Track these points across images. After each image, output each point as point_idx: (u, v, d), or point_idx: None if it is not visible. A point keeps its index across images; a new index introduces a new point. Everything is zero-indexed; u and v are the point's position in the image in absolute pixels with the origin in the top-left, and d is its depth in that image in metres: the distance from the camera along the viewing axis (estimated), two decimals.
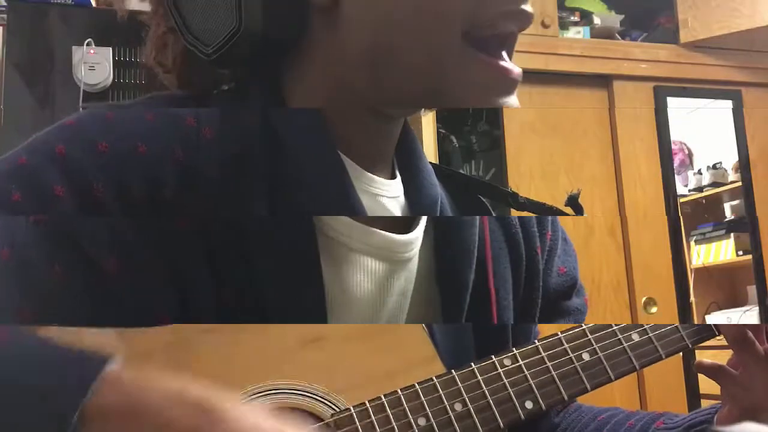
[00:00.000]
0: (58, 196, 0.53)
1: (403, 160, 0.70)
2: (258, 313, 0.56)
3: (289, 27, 0.58)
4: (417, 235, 0.64)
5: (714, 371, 0.72)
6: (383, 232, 0.62)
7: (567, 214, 0.73)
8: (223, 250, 0.55)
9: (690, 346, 0.71)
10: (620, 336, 0.68)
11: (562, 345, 0.66)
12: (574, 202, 0.72)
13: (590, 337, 0.67)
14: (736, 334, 0.68)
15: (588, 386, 0.65)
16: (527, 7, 0.59)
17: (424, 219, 0.65)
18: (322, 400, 0.60)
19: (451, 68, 0.56)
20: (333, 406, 0.59)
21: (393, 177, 0.69)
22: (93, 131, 0.57)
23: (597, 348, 0.66)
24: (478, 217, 0.67)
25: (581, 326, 0.68)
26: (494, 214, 0.77)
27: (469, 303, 0.65)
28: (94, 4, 2.01)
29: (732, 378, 0.71)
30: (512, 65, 0.60)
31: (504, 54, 0.59)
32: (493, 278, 0.66)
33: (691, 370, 2.47)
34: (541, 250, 0.73)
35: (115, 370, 0.46)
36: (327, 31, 0.59)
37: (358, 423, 0.58)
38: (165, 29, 0.62)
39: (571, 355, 0.66)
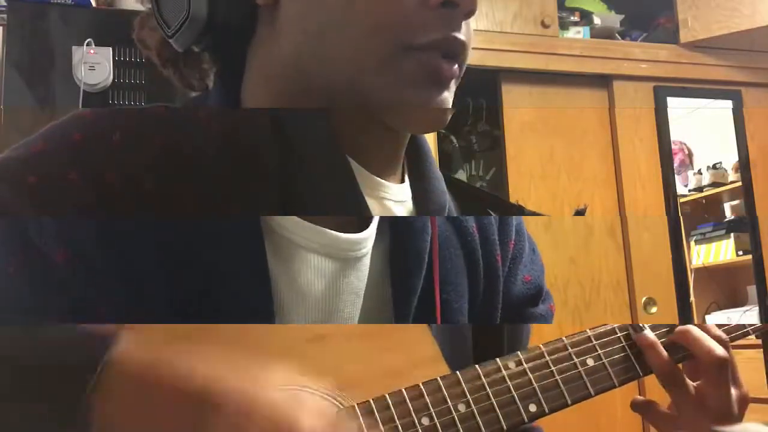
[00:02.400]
0: (72, 183, 0.54)
1: (413, 166, 0.71)
2: (206, 310, 0.57)
3: (233, 18, 0.63)
4: (367, 235, 0.64)
5: (645, 408, 0.72)
6: (329, 230, 0.61)
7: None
8: (172, 246, 0.56)
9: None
10: (625, 343, 0.68)
11: (567, 350, 0.66)
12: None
13: (595, 342, 0.67)
14: (666, 372, 0.68)
15: (592, 392, 0.65)
16: (460, 35, 0.60)
17: (376, 219, 0.65)
18: (326, 397, 0.60)
19: (376, 74, 0.59)
20: (337, 404, 0.59)
21: (402, 181, 0.69)
22: (108, 122, 0.58)
23: (601, 354, 0.67)
24: (429, 222, 0.68)
25: (586, 332, 0.68)
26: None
27: (418, 305, 0.65)
28: (94, 4, 2.01)
29: (662, 417, 0.71)
30: (446, 63, 0.60)
31: (441, 56, 0.60)
32: (439, 282, 0.66)
33: None
34: (501, 257, 0.73)
35: (125, 348, 0.48)
36: (268, 28, 0.63)
37: (361, 420, 0.58)
38: (149, 11, 0.68)
39: (576, 360, 0.66)
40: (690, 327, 0.68)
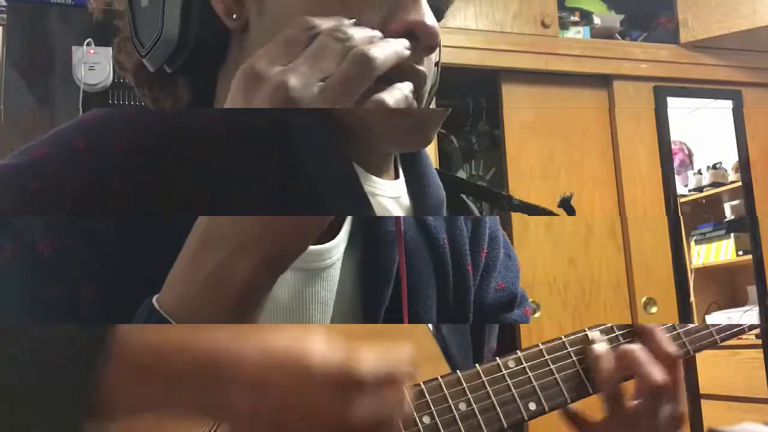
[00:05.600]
0: (75, 189, 0.54)
1: (408, 161, 0.70)
2: None
3: (203, 40, 0.63)
4: (331, 246, 0.63)
5: (573, 420, 0.70)
6: None
7: (554, 213, 0.73)
8: (130, 255, 0.55)
9: (691, 352, 0.71)
10: (623, 342, 0.68)
11: (566, 348, 0.66)
12: (566, 205, 0.72)
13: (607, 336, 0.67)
14: (608, 389, 0.66)
15: (590, 389, 0.66)
16: (420, 67, 0.59)
17: (345, 229, 0.65)
18: None
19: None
20: None
21: (396, 177, 0.68)
22: (112, 128, 0.58)
23: None
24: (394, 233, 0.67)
25: (584, 330, 0.68)
26: (478, 214, 0.78)
27: (386, 316, 0.65)
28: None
29: (592, 430, 0.69)
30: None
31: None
32: (408, 294, 0.65)
33: (692, 370, 2.47)
34: (473, 267, 0.73)
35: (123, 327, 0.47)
36: (238, 52, 0.64)
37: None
38: (127, 34, 0.69)
39: (575, 358, 0.66)
40: (633, 348, 0.66)
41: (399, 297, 0.65)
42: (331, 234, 0.64)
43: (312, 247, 0.62)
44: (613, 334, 0.69)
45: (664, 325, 0.71)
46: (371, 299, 0.65)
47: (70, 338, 0.46)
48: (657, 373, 0.65)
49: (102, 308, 0.54)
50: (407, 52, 0.53)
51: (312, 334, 0.48)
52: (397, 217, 0.67)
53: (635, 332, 0.69)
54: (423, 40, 0.58)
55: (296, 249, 0.51)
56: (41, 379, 0.45)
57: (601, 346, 0.67)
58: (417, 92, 0.59)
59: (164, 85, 0.70)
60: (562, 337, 0.67)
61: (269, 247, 0.49)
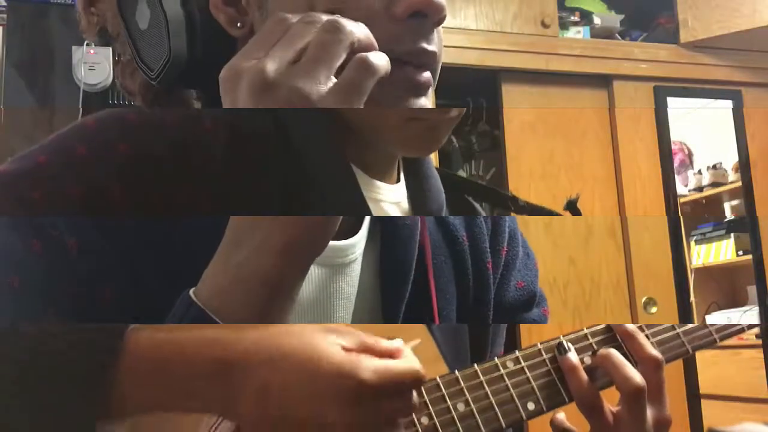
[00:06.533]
0: (75, 197, 0.54)
1: (410, 165, 0.70)
2: None
3: (212, 53, 0.62)
4: (354, 241, 0.64)
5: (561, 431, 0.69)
6: None
7: (559, 214, 0.73)
8: (150, 256, 0.56)
9: (690, 352, 0.71)
10: (620, 341, 0.68)
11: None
12: (572, 207, 0.72)
13: (592, 341, 0.67)
14: (584, 398, 0.64)
15: None
16: (430, 47, 0.59)
17: (365, 226, 0.65)
18: None
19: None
20: None
21: (397, 181, 0.68)
22: (113, 133, 0.58)
23: (598, 351, 0.66)
24: (419, 229, 0.68)
25: (583, 330, 0.68)
26: (484, 215, 0.78)
27: (406, 311, 0.65)
28: None
29: None
30: (419, 72, 0.59)
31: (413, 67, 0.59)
32: (435, 290, 0.66)
33: (691, 371, 2.47)
34: (493, 265, 0.73)
35: (140, 330, 0.48)
36: None
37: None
38: (130, 57, 0.67)
39: None
40: (611, 351, 0.65)
41: (419, 293, 0.66)
42: (352, 230, 0.64)
43: (335, 243, 0.62)
44: (591, 340, 0.68)
45: (659, 325, 0.71)
46: (391, 295, 0.65)
47: (84, 337, 0.47)
48: (635, 376, 0.63)
49: (128, 306, 0.54)
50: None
51: (324, 333, 0.49)
52: (420, 216, 0.67)
53: (616, 335, 0.68)
54: (431, 17, 0.58)
55: (317, 244, 0.52)
56: (55, 378, 0.46)
57: (575, 355, 0.65)
58: (433, 75, 0.60)
59: (174, 100, 0.70)
60: (561, 336, 0.67)
61: (289, 243, 0.50)
